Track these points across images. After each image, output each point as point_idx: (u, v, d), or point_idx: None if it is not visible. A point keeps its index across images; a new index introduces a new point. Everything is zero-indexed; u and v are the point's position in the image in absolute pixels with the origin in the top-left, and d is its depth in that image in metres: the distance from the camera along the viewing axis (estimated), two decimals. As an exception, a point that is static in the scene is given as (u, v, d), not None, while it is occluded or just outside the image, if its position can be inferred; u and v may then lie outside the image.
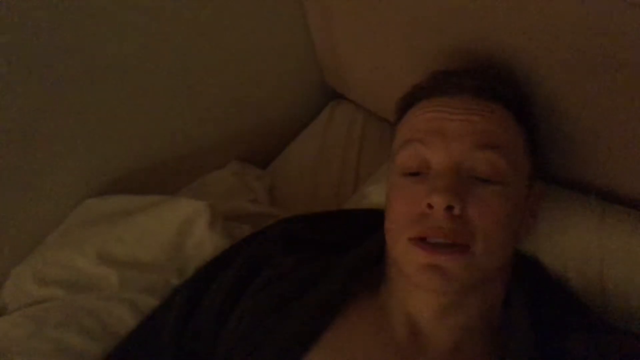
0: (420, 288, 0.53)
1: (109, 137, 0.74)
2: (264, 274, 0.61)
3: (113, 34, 0.68)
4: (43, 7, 0.61)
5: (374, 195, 0.76)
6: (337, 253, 0.62)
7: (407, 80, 0.62)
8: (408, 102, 0.60)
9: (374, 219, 0.62)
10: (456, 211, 0.50)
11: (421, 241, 0.51)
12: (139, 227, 0.69)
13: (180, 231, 0.69)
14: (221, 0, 0.77)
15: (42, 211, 0.72)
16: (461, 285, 0.51)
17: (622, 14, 0.48)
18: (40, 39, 0.62)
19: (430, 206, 0.50)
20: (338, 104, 0.98)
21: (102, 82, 0.70)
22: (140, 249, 0.68)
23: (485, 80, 0.57)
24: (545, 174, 0.66)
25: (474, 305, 0.54)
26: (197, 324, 0.61)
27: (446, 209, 0.50)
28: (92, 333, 0.62)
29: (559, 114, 0.61)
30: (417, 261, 0.51)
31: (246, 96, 0.89)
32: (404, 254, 0.53)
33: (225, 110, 0.87)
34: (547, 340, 0.53)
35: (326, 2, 0.80)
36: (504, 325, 0.56)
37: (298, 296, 0.58)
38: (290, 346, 0.53)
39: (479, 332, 0.55)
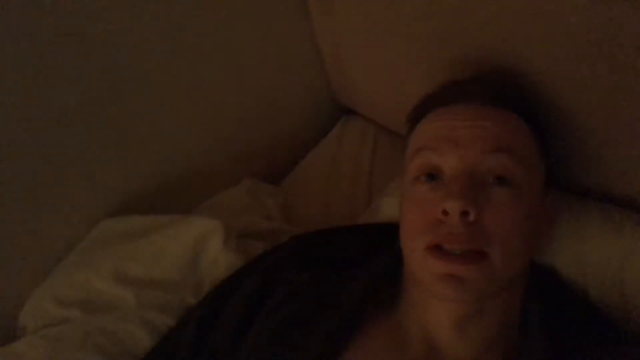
0: (438, 298, 0.53)
1: (124, 158, 0.75)
2: (278, 292, 0.61)
3: (130, 53, 0.70)
4: (58, 31, 0.63)
5: (387, 208, 0.76)
6: (352, 269, 0.62)
7: (417, 92, 0.62)
8: (419, 113, 0.61)
9: (388, 233, 0.62)
10: (471, 217, 0.49)
11: (437, 250, 0.50)
12: (154, 247, 0.69)
13: (195, 249, 0.69)
14: (233, 19, 0.79)
15: (59, 233, 0.72)
16: (479, 294, 0.51)
17: (625, 18, 0.48)
18: (58, 57, 0.64)
19: (445, 212, 0.50)
20: (349, 119, 0.99)
21: (118, 103, 0.71)
22: (156, 268, 0.68)
23: (495, 88, 0.57)
24: (560, 182, 0.65)
25: (492, 316, 0.54)
26: (213, 344, 0.60)
27: (462, 215, 0.49)
28: (110, 354, 0.62)
29: (569, 120, 0.61)
30: (434, 271, 0.50)
31: (258, 114, 0.90)
32: (421, 265, 0.52)
33: (238, 129, 0.88)
34: (566, 352, 0.52)
35: (334, 18, 0.81)
36: (522, 337, 0.55)
37: (315, 315, 0.57)
38: None
39: (497, 344, 0.54)
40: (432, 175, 0.54)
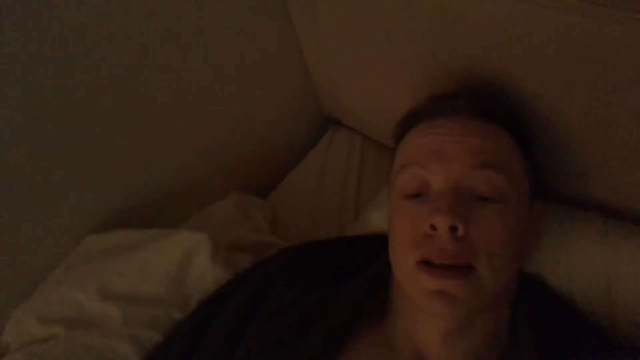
0: (428, 314, 0.53)
1: (109, 173, 0.75)
2: (267, 306, 0.61)
3: (115, 69, 0.69)
4: (48, 43, 0.62)
5: (374, 220, 0.76)
6: (340, 281, 0.62)
7: (404, 105, 0.63)
8: (405, 126, 0.61)
9: (376, 244, 0.62)
10: (460, 232, 0.50)
11: (427, 265, 0.50)
12: (140, 261, 0.69)
13: (181, 264, 0.69)
14: (218, 32, 0.79)
15: (44, 248, 0.72)
16: (469, 310, 0.51)
17: (614, 33, 0.48)
18: (43, 71, 0.63)
19: (433, 227, 0.50)
20: (336, 131, 0.99)
21: (103, 118, 0.71)
22: (142, 283, 0.67)
23: (481, 101, 0.58)
24: (545, 191, 0.66)
25: (480, 328, 0.54)
26: (201, 359, 0.60)
27: (450, 230, 0.49)
28: (95, 371, 0.61)
29: (555, 133, 0.62)
30: (424, 287, 0.50)
31: (245, 127, 0.90)
32: (411, 280, 0.52)
33: (225, 142, 0.88)
34: None
35: (319, 32, 0.81)
36: (511, 347, 0.55)
37: (303, 328, 0.57)
38: None
39: (485, 356, 0.54)
40: (419, 195, 0.54)
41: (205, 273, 0.68)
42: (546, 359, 0.52)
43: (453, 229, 0.49)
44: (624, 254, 0.60)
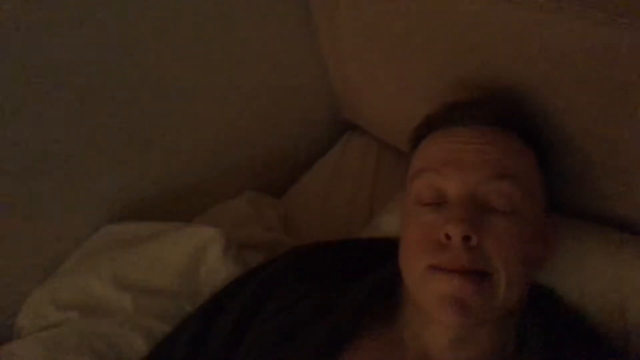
0: (439, 322, 0.52)
1: (128, 164, 0.76)
2: (273, 302, 0.61)
3: (129, 62, 0.70)
4: (64, 30, 0.64)
5: (387, 225, 0.76)
6: (349, 282, 0.62)
7: (421, 111, 0.63)
8: (421, 133, 0.61)
9: (387, 248, 0.62)
10: (473, 242, 0.49)
11: (440, 269, 0.50)
12: (153, 253, 0.70)
13: (194, 258, 0.69)
14: (239, 33, 0.80)
15: (61, 236, 0.73)
16: (479, 319, 0.51)
17: (623, 42, 0.48)
18: (59, 59, 0.64)
19: (447, 236, 0.50)
20: (353, 134, 0.99)
21: (122, 110, 0.72)
22: (155, 275, 0.68)
23: (498, 110, 0.58)
24: (559, 206, 0.66)
25: (488, 337, 0.53)
26: (206, 352, 0.60)
27: (463, 240, 0.49)
28: (106, 358, 0.62)
29: (571, 144, 0.61)
30: (437, 291, 0.50)
31: (263, 127, 0.91)
32: (422, 285, 0.52)
33: (242, 140, 0.89)
34: None
35: (339, 34, 0.82)
36: (519, 357, 0.54)
37: (308, 325, 0.57)
38: None
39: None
40: (434, 203, 0.54)
41: (217, 268, 0.69)
42: None
43: (467, 238, 0.49)
44: (638, 268, 0.60)
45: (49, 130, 0.67)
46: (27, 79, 0.63)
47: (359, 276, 0.62)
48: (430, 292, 0.51)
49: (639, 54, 0.49)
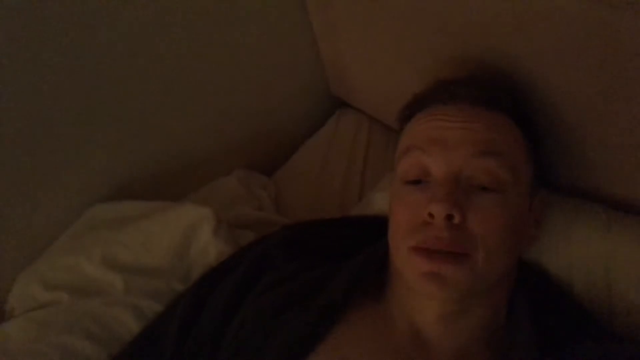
0: (421, 295, 0.54)
1: (117, 143, 0.76)
2: (265, 278, 0.61)
3: (121, 40, 0.69)
4: (54, 13, 0.62)
5: (379, 202, 0.76)
6: (340, 259, 0.62)
7: (413, 88, 0.63)
8: (410, 111, 0.61)
9: (378, 225, 0.62)
10: (456, 220, 0.50)
11: (422, 249, 0.51)
12: (144, 233, 0.70)
13: (185, 237, 0.69)
14: (228, 11, 0.79)
15: (49, 216, 0.73)
16: (461, 293, 0.52)
17: (620, 23, 0.48)
18: (47, 41, 0.63)
19: (431, 215, 0.51)
20: (344, 112, 0.99)
21: (110, 89, 0.71)
22: (145, 254, 0.68)
23: (485, 89, 0.58)
24: (548, 182, 0.66)
25: (476, 313, 0.54)
26: (199, 329, 0.61)
27: (446, 218, 0.50)
28: (97, 338, 0.62)
29: (561, 121, 0.61)
30: (417, 269, 0.51)
31: (253, 105, 0.90)
32: (406, 263, 0.53)
33: (232, 119, 0.88)
34: (552, 350, 0.53)
35: (331, 13, 0.81)
36: (508, 333, 0.55)
37: (299, 301, 0.58)
38: (290, 351, 0.53)
39: (482, 340, 0.55)
40: (419, 181, 0.55)
41: (208, 247, 0.69)
42: (543, 348, 0.52)
43: (449, 217, 0.50)
44: (626, 245, 0.60)
45: (40, 110, 0.66)
46: (20, 57, 0.62)
47: (350, 253, 0.63)
48: (412, 270, 0.52)
49: (637, 33, 0.48)
